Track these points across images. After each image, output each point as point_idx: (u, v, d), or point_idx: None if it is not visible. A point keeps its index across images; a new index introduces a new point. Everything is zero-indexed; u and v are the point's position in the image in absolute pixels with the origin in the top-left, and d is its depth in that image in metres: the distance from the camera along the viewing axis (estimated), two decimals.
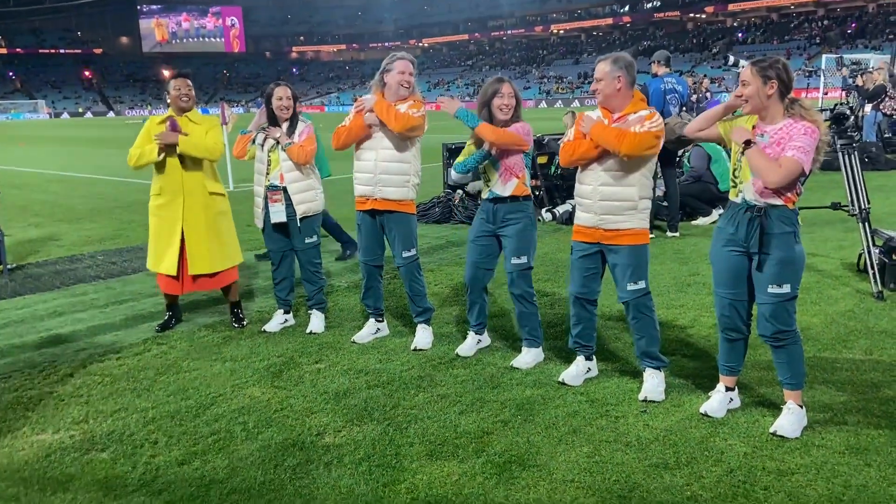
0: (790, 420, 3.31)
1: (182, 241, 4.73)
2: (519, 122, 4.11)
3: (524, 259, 4.15)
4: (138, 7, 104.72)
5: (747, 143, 3.17)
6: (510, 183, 4.11)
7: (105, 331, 5.08)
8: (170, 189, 4.73)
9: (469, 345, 4.46)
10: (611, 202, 3.64)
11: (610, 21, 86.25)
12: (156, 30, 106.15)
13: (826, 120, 5.81)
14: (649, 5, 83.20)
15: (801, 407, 3.37)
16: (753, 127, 3.28)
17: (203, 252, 4.78)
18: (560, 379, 3.96)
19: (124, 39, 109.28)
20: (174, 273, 4.78)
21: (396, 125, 4.22)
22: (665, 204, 7.93)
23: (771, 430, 3.30)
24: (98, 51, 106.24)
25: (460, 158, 4.27)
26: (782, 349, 3.32)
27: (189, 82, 4.82)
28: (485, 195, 4.23)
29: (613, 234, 3.68)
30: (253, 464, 3.17)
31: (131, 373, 4.27)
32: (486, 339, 4.53)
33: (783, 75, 3.14)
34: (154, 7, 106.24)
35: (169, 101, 4.83)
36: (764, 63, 3.17)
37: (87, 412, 3.74)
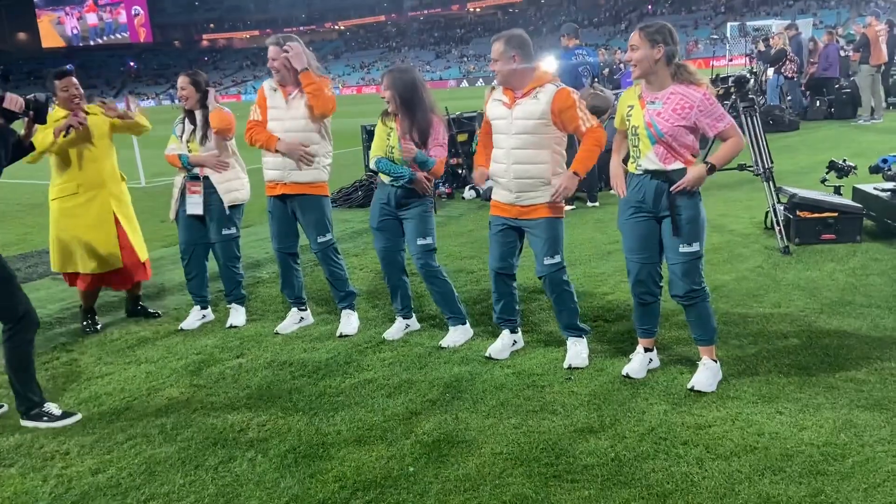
0: (706, 375, 3.42)
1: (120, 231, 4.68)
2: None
3: (429, 240, 4.15)
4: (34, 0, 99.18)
5: (711, 170, 3.27)
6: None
7: None
8: (90, 183, 4.57)
9: (396, 328, 4.41)
10: (524, 180, 3.68)
11: None
12: (41, 27, 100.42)
13: (729, 85, 6.02)
14: None
15: (716, 361, 3.49)
16: (640, 96, 3.34)
17: (139, 239, 4.85)
18: (486, 354, 3.97)
19: (22, 35, 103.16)
20: (119, 265, 4.68)
21: (317, 103, 4.16)
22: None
23: (688, 385, 3.41)
24: None
25: (378, 152, 4.16)
26: (693, 307, 3.43)
27: (75, 80, 4.52)
28: (386, 180, 4.15)
29: (529, 209, 3.71)
30: (172, 466, 3.05)
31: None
32: (414, 323, 4.49)
33: (669, 39, 3.21)
34: None
35: (58, 103, 4.49)
36: (651, 28, 3.24)
37: None
